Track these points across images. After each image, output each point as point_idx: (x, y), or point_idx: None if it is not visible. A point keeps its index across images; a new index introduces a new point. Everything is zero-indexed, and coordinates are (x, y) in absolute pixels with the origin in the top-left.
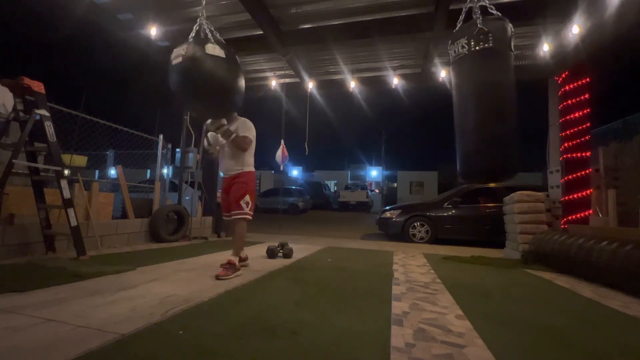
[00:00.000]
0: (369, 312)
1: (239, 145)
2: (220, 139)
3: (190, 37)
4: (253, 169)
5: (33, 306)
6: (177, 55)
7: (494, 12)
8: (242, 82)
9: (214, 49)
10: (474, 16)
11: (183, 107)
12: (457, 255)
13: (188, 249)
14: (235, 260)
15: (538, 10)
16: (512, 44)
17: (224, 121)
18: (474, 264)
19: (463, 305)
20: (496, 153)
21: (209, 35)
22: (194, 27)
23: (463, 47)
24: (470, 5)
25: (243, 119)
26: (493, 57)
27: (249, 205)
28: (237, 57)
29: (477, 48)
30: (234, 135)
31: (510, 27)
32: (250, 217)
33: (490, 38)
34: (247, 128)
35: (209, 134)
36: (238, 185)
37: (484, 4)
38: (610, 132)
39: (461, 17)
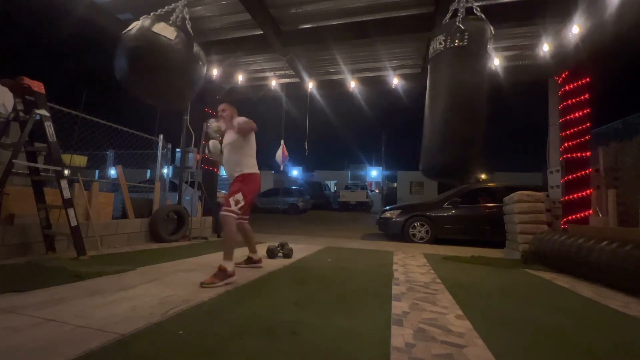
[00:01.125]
0: (369, 312)
1: (245, 130)
2: (217, 143)
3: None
4: (255, 171)
5: (33, 306)
6: (125, 29)
7: (478, 13)
8: (192, 71)
9: (163, 29)
10: (459, 15)
11: (124, 83)
12: (457, 255)
13: (188, 249)
14: (227, 265)
15: (538, 10)
16: (490, 46)
17: (222, 125)
18: (474, 264)
19: (463, 305)
20: (458, 151)
21: (186, 22)
22: (167, 7)
23: (440, 43)
24: (456, 7)
25: (239, 117)
26: (466, 56)
27: (239, 205)
28: (195, 45)
29: (452, 45)
30: (235, 125)
31: (490, 28)
32: (236, 217)
33: (466, 37)
34: (244, 120)
35: (210, 142)
36: (234, 184)
37: (470, 5)
38: (610, 132)
39: (447, 16)
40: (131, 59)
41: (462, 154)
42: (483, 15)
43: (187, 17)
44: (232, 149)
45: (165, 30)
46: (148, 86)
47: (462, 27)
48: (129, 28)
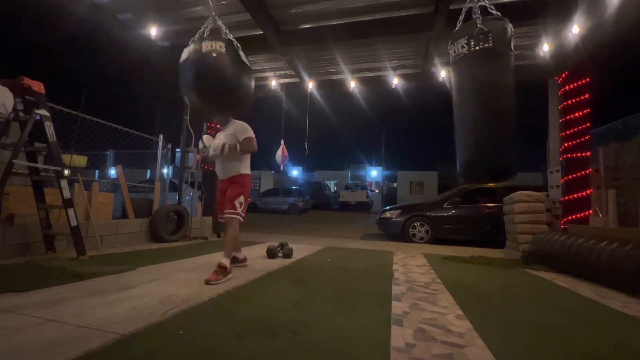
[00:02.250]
0: (369, 312)
1: (248, 150)
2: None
3: (202, 35)
4: (249, 172)
5: (33, 306)
6: (183, 54)
7: (494, 12)
8: (244, 80)
9: (210, 46)
10: (474, 16)
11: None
12: (457, 255)
13: (188, 249)
14: (226, 263)
15: (538, 10)
16: (512, 44)
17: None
18: (474, 264)
19: (463, 305)
20: (496, 153)
21: (224, 30)
22: (204, 26)
23: (463, 47)
24: (470, 5)
25: (237, 122)
26: (493, 57)
27: (242, 207)
28: (242, 55)
29: (476, 48)
30: (235, 146)
31: (510, 27)
32: (242, 219)
33: (490, 38)
34: (245, 130)
35: (204, 136)
36: (234, 186)
37: (483, 4)
38: (610, 132)
39: (461, 17)
40: (196, 84)
41: (501, 155)
42: (500, 14)
43: (221, 23)
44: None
45: (213, 47)
46: (219, 104)
47: (485, 29)
48: (183, 56)
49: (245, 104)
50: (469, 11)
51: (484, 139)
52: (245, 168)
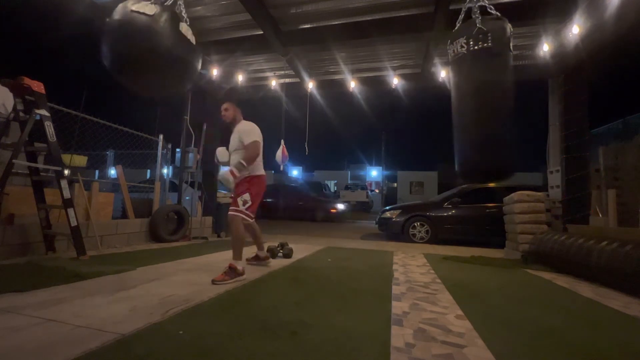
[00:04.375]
0: (369, 312)
1: (252, 158)
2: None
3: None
4: (261, 173)
5: (33, 306)
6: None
7: (493, 12)
8: (180, 50)
9: (141, 6)
10: (473, 16)
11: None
12: (457, 255)
13: (188, 249)
14: (236, 264)
15: (538, 10)
16: (511, 44)
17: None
18: (474, 264)
19: (463, 305)
20: (494, 153)
21: (180, 4)
22: None
23: (462, 46)
24: (470, 5)
25: (243, 123)
26: (492, 57)
27: (247, 205)
28: (183, 24)
29: (475, 48)
30: (241, 165)
31: (509, 27)
32: (245, 217)
33: (489, 38)
34: (248, 132)
35: (218, 150)
36: (242, 184)
37: (483, 4)
38: (610, 132)
39: (461, 17)
40: (112, 44)
41: (499, 155)
42: (499, 14)
43: (183, 9)
44: (239, 152)
45: (145, 7)
46: (136, 74)
47: (485, 29)
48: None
49: (176, 77)
50: (469, 11)
51: (482, 139)
52: (256, 170)
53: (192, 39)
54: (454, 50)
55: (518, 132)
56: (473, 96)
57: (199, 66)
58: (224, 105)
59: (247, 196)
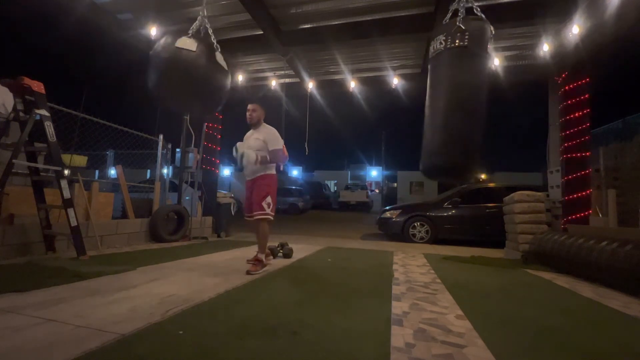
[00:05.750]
0: (369, 312)
1: (275, 162)
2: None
3: (189, 33)
4: (274, 172)
5: (33, 306)
6: (154, 47)
7: (478, 13)
8: (219, 79)
9: (184, 43)
10: (459, 15)
11: (154, 96)
12: (457, 255)
13: (188, 249)
14: (262, 257)
15: (538, 10)
16: (490, 45)
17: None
18: (474, 264)
19: (463, 305)
20: (459, 150)
21: (210, 33)
22: (193, 25)
23: (441, 43)
24: (456, 7)
25: (268, 128)
26: (466, 56)
27: (270, 206)
28: (218, 54)
29: (452, 45)
30: (266, 158)
31: (490, 28)
32: (272, 218)
33: (467, 37)
34: (275, 139)
35: (238, 144)
36: (260, 186)
37: (470, 5)
38: (610, 132)
39: (448, 16)
40: (158, 74)
41: (462, 154)
42: (483, 15)
43: (209, 26)
44: (258, 150)
45: (187, 44)
46: (177, 98)
47: (463, 27)
48: (156, 46)
49: (214, 102)
50: (457, 12)
51: (449, 136)
52: (270, 169)
53: (225, 65)
54: (434, 47)
55: (519, 132)
56: (445, 94)
57: (229, 86)
58: (252, 106)
59: (269, 199)
